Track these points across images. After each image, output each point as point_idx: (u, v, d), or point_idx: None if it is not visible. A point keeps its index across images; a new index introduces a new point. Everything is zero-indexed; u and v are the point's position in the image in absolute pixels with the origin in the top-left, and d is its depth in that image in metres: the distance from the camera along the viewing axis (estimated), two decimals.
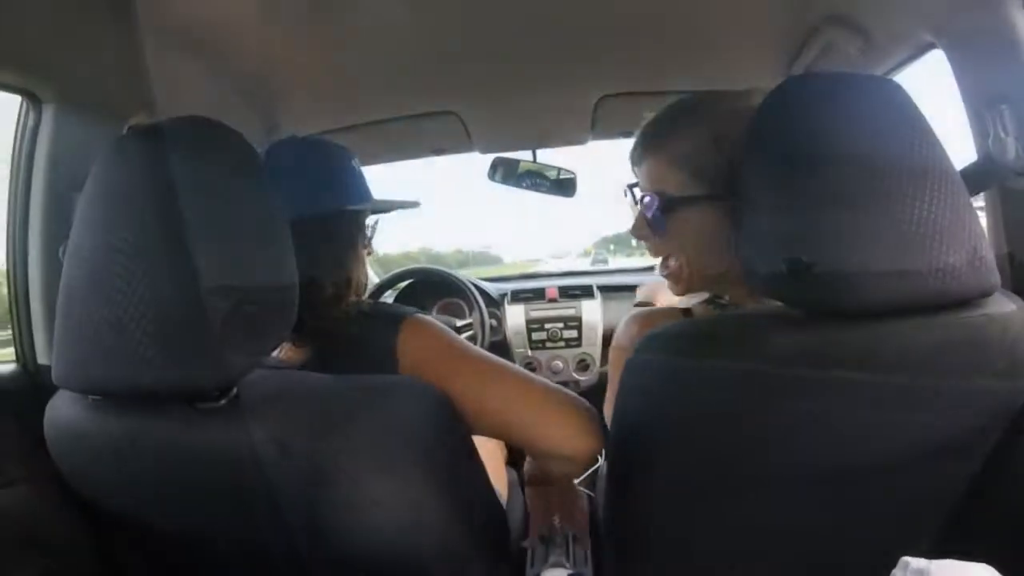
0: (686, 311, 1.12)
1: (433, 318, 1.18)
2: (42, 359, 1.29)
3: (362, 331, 1.06)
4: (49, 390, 0.87)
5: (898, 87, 0.88)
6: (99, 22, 1.24)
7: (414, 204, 1.35)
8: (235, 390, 0.77)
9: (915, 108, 0.87)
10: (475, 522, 0.99)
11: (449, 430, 0.93)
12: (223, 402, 0.76)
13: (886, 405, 0.86)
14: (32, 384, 1.28)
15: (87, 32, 1.23)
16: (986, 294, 0.85)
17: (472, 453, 1.00)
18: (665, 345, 0.91)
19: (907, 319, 0.81)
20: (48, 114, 1.27)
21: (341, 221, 1.16)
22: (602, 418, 1.12)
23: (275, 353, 1.04)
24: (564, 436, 1.08)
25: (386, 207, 1.27)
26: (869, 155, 0.80)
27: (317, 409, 0.77)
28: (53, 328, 1.22)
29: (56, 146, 1.27)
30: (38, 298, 1.29)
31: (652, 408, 0.93)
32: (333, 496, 0.77)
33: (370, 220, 1.25)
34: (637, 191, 1.18)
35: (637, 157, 1.16)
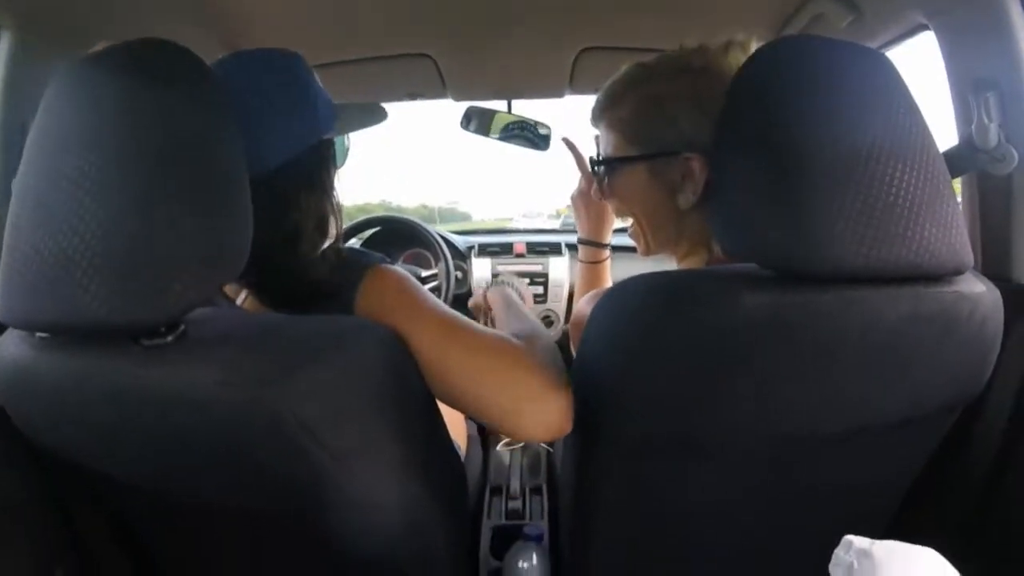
0: None
1: (400, 267, 1.16)
2: None
3: (329, 276, 1.01)
4: None
5: (886, 60, 0.88)
6: None
7: (381, 115, 1.21)
8: (182, 327, 0.75)
9: (901, 82, 0.86)
10: (432, 474, 0.98)
11: (406, 378, 0.90)
12: (170, 339, 0.74)
13: (854, 372, 0.86)
14: None
15: None
16: (959, 272, 0.86)
17: (430, 403, 0.97)
18: (635, 295, 0.90)
19: (879, 288, 0.81)
20: (5, 42, 1.22)
21: (316, 155, 1.05)
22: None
23: (238, 300, 1.01)
24: (522, 429, 0.96)
25: (353, 124, 1.18)
26: (852, 123, 0.79)
27: (269, 351, 0.75)
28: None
29: (14, 75, 1.23)
30: None
31: (618, 359, 0.91)
32: (285, 443, 0.75)
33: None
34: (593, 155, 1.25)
35: (593, 122, 1.25)
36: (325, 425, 0.76)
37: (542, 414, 0.95)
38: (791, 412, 0.88)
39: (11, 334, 0.90)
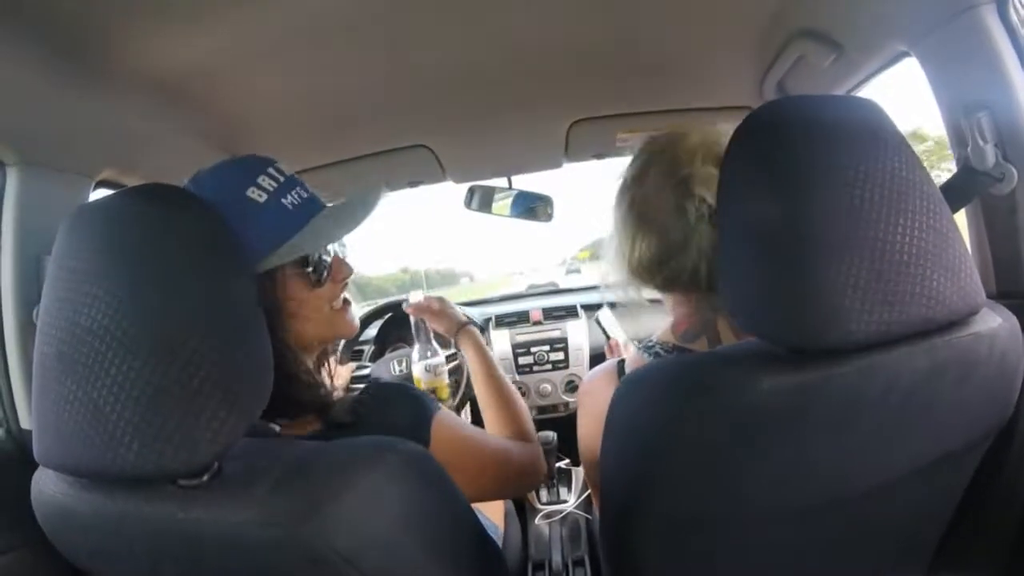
0: (620, 369, 1.20)
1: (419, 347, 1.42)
2: (24, 423, 1.27)
3: (385, 415, 1.05)
4: (32, 454, 0.85)
5: (876, 108, 0.87)
6: (59, 83, 1.22)
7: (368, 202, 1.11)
8: (216, 464, 0.75)
9: (894, 128, 0.85)
10: (473, 570, 0.97)
11: (438, 487, 0.90)
12: (205, 478, 0.74)
13: (877, 433, 0.85)
14: (17, 449, 1.26)
15: (48, 93, 1.22)
16: (973, 313, 0.85)
17: (463, 504, 0.97)
18: (650, 387, 0.90)
19: (895, 349, 0.80)
20: (13, 177, 1.25)
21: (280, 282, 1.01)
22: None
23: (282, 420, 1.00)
24: (519, 490, 1.49)
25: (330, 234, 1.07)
26: (849, 184, 0.78)
27: (302, 486, 0.74)
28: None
29: (23, 209, 1.25)
30: (16, 362, 1.27)
31: (639, 447, 0.90)
32: (324, 573, 0.74)
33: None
34: None
35: None
36: (362, 552, 0.75)
37: (534, 479, 1.35)
38: (816, 479, 0.87)
39: (45, 471, 0.90)
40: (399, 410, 1.06)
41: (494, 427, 1.41)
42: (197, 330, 0.72)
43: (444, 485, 0.91)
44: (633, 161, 1.19)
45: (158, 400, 0.69)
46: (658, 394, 0.87)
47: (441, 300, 1.69)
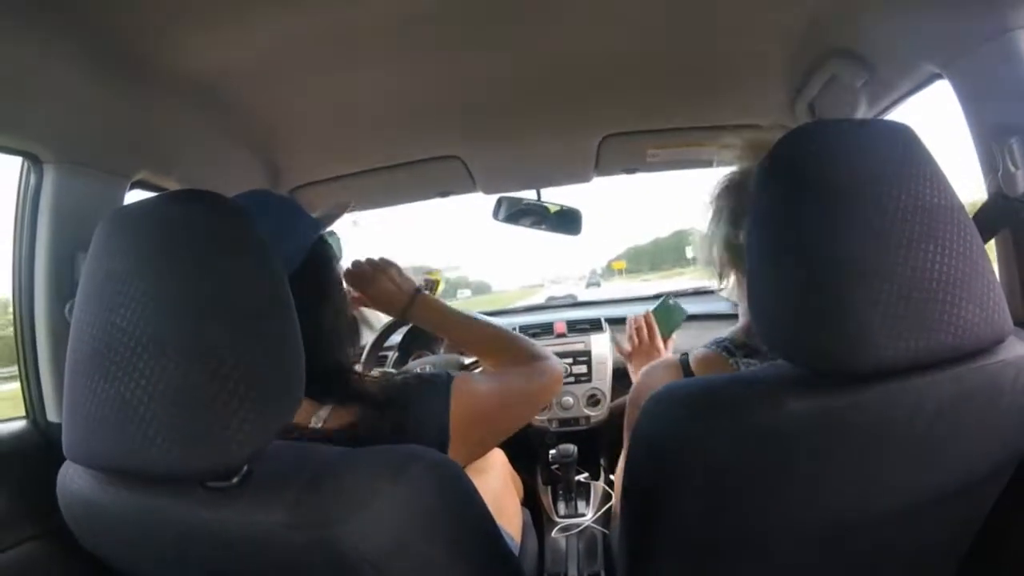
0: (684, 362, 1.22)
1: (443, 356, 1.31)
2: (52, 416, 1.29)
3: (409, 399, 1.08)
4: (59, 447, 0.86)
5: (909, 132, 0.86)
6: (98, 82, 1.24)
7: (346, 206, 1.27)
8: (246, 467, 0.75)
9: (927, 154, 0.85)
10: None
11: (461, 498, 0.91)
12: (235, 480, 0.75)
13: (901, 459, 0.85)
14: (43, 441, 1.27)
15: (86, 92, 1.24)
16: (1000, 341, 0.84)
17: (485, 515, 0.98)
18: (676, 405, 0.90)
19: (921, 376, 0.79)
20: (49, 175, 1.27)
21: (319, 255, 1.13)
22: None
23: (315, 422, 1.03)
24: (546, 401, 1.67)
25: (327, 220, 1.22)
26: (880, 209, 0.78)
27: (330, 491, 0.74)
28: (61, 386, 1.22)
29: (58, 206, 1.27)
30: (46, 356, 1.29)
31: (663, 464, 0.91)
32: None
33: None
34: None
35: None
36: (388, 557, 0.76)
37: (558, 374, 1.40)
38: (838, 501, 0.87)
39: (72, 466, 0.92)
40: (421, 393, 1.10)
41: (498, 364, 1.41)
42: (231, 334, 0.73)
43: (469, 495, 0.92)
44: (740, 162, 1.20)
45: (190, 401, 0.70)
46: (684, 411, 0.87)
47: (382, 265, 1.41)
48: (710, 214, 1.22)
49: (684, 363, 1.23)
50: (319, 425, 1.02)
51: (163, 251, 0.75)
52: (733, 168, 1.19)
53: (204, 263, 0.75)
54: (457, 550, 0.86)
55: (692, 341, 1.30)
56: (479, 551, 0.93)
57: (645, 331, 1.82)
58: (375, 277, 1.38)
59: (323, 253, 1.15)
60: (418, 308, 1.40)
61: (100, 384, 0.74)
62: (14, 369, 1.33)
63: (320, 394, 1.02)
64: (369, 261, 1.40)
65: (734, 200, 1.16)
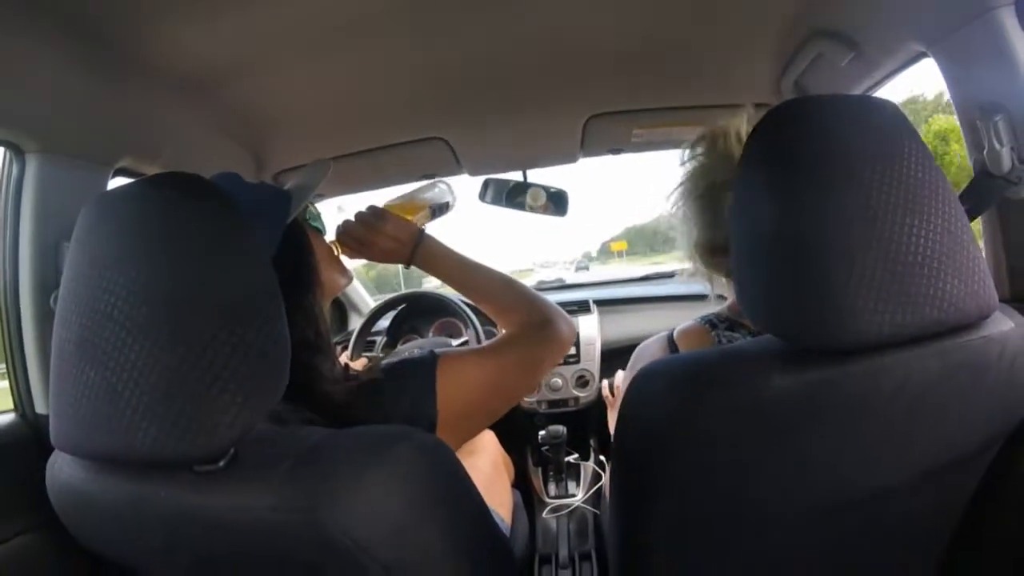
0: (670, 337, 1.26)
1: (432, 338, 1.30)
2: (40, 408, 1.29)
3: (391, 388, 1.08)
4: (48, 439, 0.86)
5: (893, 108, 0.87)
6: (80, 71, 1.24)
7: (325, 168, 1.20)
8: (233, 450, 0.76)
9: (911, 129, 0.85)
10: (482, 566, 0.98)
11: (450, 478, 0.91)
12: (221, 464, 0.75)
13: (887, 434, 0.85)
14: (32, 433, 1.27)
15: (67, 82, 1.23)
16: (984, 316, 0.85)
17: (475, 496, 0.98)
18: (662, 379, 0.90)
19: (905, 350, 0.80)
20: (32, 165, 1.26)
21: (294, 240, 1.08)
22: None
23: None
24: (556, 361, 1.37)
25: (306, 193, 1.13)
26: (864, 183, 0.79)
27: (317, 473, 0.75)
28: (47, 376, 1.22)
29: (42, 196, 1.27)
30: (32, 347, 1.28)
31: (651, 441, 0.91)
32: (339, 560, 0.75)
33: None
34: None
35: None
36: (376, 539, 0.76)
37: (567, 340, 1.31)
38: (825, 478, 0.88)
39: (60, 456, 0.92)
40: (403, 381, 1.10)
41: (504, 322, 1.35)
42: (216, 317, 0.73)
43: (457, 475, 0.92)
44: (692, 149, 1.23)
45: (176, 386, 0.70)
46: (671, 387, 0.88)
47: (374, 222, 1.30)
48: (681, 215, 1.25)
49: (669, 337, 1.25)
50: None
51: (147, 236, 0.75)
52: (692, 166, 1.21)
53: (188, 248, 0.75)
54: (446, 531, 0.86)
55: (648, 323, 1.34)
56: (469, 532, 0.93)
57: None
58: (370, 239, 1.29)
59: (296, 241, 1.09)
60: (422, 258, 1.33)
61: (87, 372, 0.74)
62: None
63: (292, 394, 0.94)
64: (360, 220, 1.31)
65: (706, 200, 1.19)
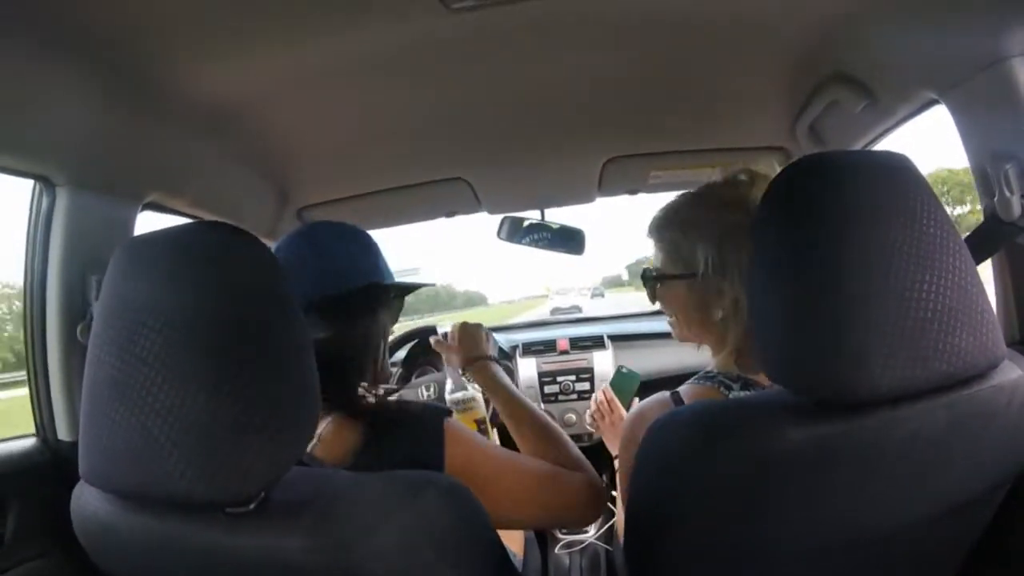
0: (678, 401, 1.22)
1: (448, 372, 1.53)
2: (62, 435, 1.30)
3: (405, 426, 1.10)
4: (69, 465, 0.87)
5: (907, 164, 0.88)
6: (111, 107, 1.26)
7: (431, 284, 1.37)
8: (263, 494, 0.77)
9: (925, 185, 0.86)
10: None
11: (475, 525, 0.92)
12: (252, 506, 0.76)
13: (898, 481, 0.86)
14: (54, 459, 1.29)
15: (99, 117, 1.25)
16: (993, 367, 0.86)
17: (494, 538, 1.00)
18: (681, 427, 0.92)
19: (917, 402, 0.81)
20: (62, 197, 1.28)
21: (376, 298, 1.22)
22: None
23: (321, 427, 1.07)
24: (573, 519, 1.28)
25: (407, 286, 1.33)
26: (879, 240, 0.80)
27: (347, 514, 0.76)
28: (71, 404, 1.23)
29: (71, 229, 1.28)
30: (57, 376, 1.30)
31: (664, 490, 0.93)
32: None
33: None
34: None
35: (648, 235, 1.37)
36: None
37: (595, 514, 1.25)
38: (836, 523, 0.89)
39: (87, 488, 0.92)
40: (411, 427, 1.11)
41: (533, 453, 1.34)
42: (250, 364, 0.74)
43: (480, 517, 0.93)
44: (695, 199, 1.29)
45: (211, 432, 0.71)
46: (690, 435, 0.89)
47: (465, 330, 1.59)
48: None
49: (677, 399, 1.23)
50: (314, 444, 1.06)
51: (183, 284, 0.76)
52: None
53: (224, 297, 0.77)
54: (468, 570, 0.88)
55: (663, 359, 1.35)
56: (488, 570, 0.94)
57: (606, 404, 1.86)
58: (458, 341, 1.57)
59: (376, 294, 1.23)
60: (475, 370, 1.52)
61: (119, 412, 0.75)
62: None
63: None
64: (455, 329, 1.60)
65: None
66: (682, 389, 1.24)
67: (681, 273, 1.26)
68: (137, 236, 0.84)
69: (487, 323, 1.76)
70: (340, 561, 0.74)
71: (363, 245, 1.25)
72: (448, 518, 0.84)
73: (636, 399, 1.85)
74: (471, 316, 2.80)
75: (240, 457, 0.72)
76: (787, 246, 0.85)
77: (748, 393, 1.17)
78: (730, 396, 1.17)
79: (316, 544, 0.74)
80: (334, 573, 0.74)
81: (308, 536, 0.74)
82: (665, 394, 1.26)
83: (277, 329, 0.79)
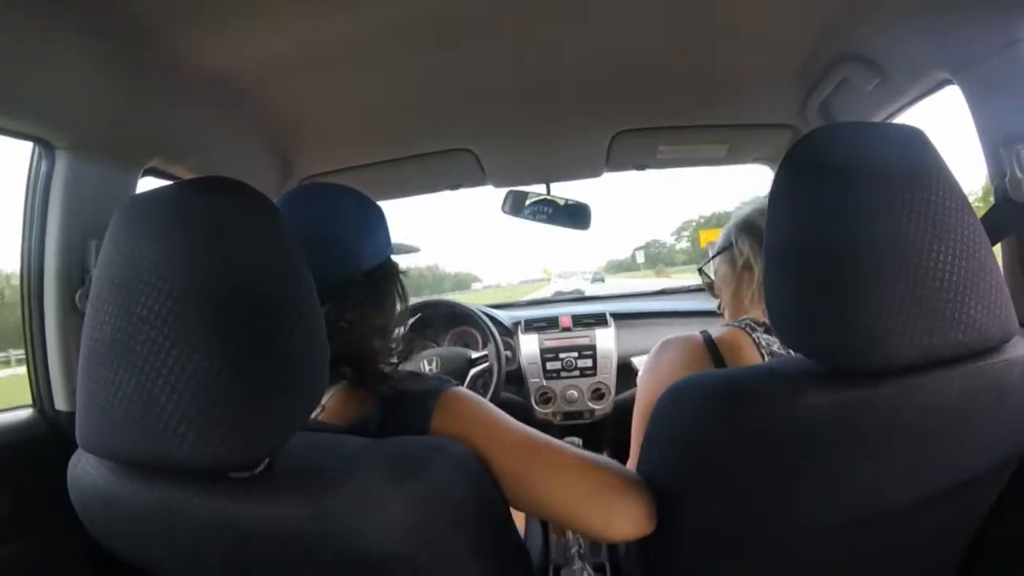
0: (708, 339, 1.30)
1: (447, 348, 1.27)
2: (59, 405, 1.29)
3: (402, 398, 1.05)
4: (67, 436, 0.86)
5: (921, 136, 0.88)
6: (114, 70, 1.24)
7: (416, 249, 1.33)
8: (267, 460, 0.75)
9: (937, 157, 0.86)
10: (507, 565, 0.99)
11: (482, 492, 0.92)
12: (257, 471, 0.75)
13: (913, 452, 0.86)
14: (51, 430, 1.28)
15: (101, 80, 1.24)
16: (1006, 340, 0.86)
17: (504, 508, 0.99)
18: (698, 398, 0.91)
19: (931, 372, 0.81)
20: (62, 161, 1.26)
21: (386, 272, 1.17)
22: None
23: (327, 397, 1.05)
24: (610, 527, 0.99)
25: (400, 250, 1.27)
26: (894, 210, 0.80)
27: (355, 483, 0.75)
28: (70, 374, 1.22)
29: (71, 193, 1.27)
30: (55, 344, 1.28)
31: (682, 456, 0.93)
32: (374, 568, 0.76)
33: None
34: None
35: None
36: (412, 549, 0.77)
37: (630, 521, 0.98)
38: (854, 492, 0.89)
39: (84, 456, 0.91)
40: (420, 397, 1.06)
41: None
42: (257, 324, 0.73)
43: (488, 488, 0.93)
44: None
45: (216, 393, 0.69)
46: (706, 403, 0.89)
47: None
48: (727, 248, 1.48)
49: (707, 339, 1.30)
50: (318, 412, 1.03)
51: (187, 242, 0.74)
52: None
53: (230, 255, 0.74)
54: (476, 537, 0.87)
55: (665, 337, 1.35)
56: (495, 536, 0.94)
57: None
58: None
59: (392, 268, 1.18)
60: None
61: (120, 374, 0.73)
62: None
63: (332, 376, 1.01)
64: None
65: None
66: (712, 331, 1.32)
67: (720, 247, 1.52)
68: (138, 194, 0.81)
69: (494, 301, 1.74)
70: (349, 530, 0.73)
71: (368, 216, 1.16)
72: (457, 484, 0.84)
73: None
74: (459, 300, 2.79)
75: (248, 421, 0.70)
76: (801, 216, 0.85)
77: (770, 338, 1.25)
78: (752, 336, 1.26)
79: (324, 512, 0.73)
80: (341, 542, 0.74)
81: (316, 505, 0.73)
82: (694, 334, 1.33)
83: (284, 290, 0.77)
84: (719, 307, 1.59)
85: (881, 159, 0.83)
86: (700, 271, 1.70)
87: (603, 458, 1.05)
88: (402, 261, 1.22)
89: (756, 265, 1.40)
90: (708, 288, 1.68)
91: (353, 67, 1.54)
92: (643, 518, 0.97)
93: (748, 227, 1.44)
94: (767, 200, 1.00)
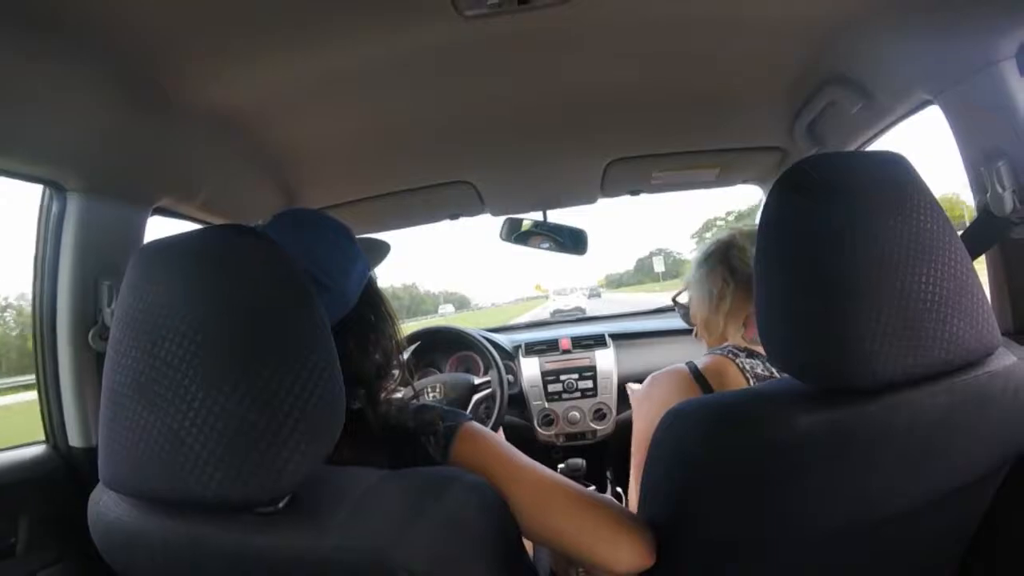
0: (694, 368, 1.32)
1: (450, 375, 1.25)
2: (73, 441, 1.30)
3: (414, 427, 1.07)
4: (81, 472, 0.87)
5: (904, 163, 0.91)
6: (122, 112, 1.26)
7: (386, 245, 1.32)
8: (291, 492, 0.77)
9: (920, 181, 0.89)
10: None
11: (498, 518, 0.93)
12: (281, 505, 0.77)
13: (902, 464, 0.89)
14: (65, 466, 1.28)
15: (110, 123, 1.26)
16: (988, 353, 0.89)
17: (513, 526, 1.00)
18: (695, 419, 0.94)
19: (917, 388, 0.84)
20: (73, 202, 1.29)
21: (369, 300, 1.13)
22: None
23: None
24: (616, 558, 1.05)
25: (372, 251, 1.24)
26: (879, 234, 0.83)
27: (378, 511, 0.77)
28: (84, 411, 1.24)
29: (82, 234, 1.29)
30: (69, 382, 1.30)
31: (683, 474, 0.96)
32: None
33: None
34: None
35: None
36: (433, 573, 0.78)
37: (634, 554, 1.04)
38: (846, 506, 0.91)
39: (106, 493, 0.92)
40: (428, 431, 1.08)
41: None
42: (278, 365, 0.75)
43: (504, 511, 0.95)
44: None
45: (242, 433, 0.72)
46: (703, 425, 0.92)
47: None
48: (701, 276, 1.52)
49: (693, 369, 1.32)
50: None
51: (207, 287, 0.77)
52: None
53: (248, 299, 0.77)
54: (492, 560, 0.89)
55: (663, 356, 1.38)
56: (509, 560, 0.96)
57: None
58: None
59: (374, 292, 1.15)
60: None
61: (145, 417, 0.75)
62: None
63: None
64: None
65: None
66: (696, 362, 1.34)
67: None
68: (153, 241, 0.83)
69: (491, 324, 1.75)
70: (376, 558, 0.74)
71: (346, 251, 1.11)
72: (473, 510, 0.85)
73: None
74: (439, 322, 2.79)
75: (273, 459, 0.72)
76: (790, 241, 0.88)
77: (753, 361, 1.28)
78: (736, 362, 1.28)
79: (348, 542, 0.75)
80: (366, 571, 0.75)
81: (340, 534, 0.75)
82: (679, 366, 1.35)
83: (300, 329, 0.79)
84: (695, 334, 1.63)
85: (866, 186, 0.87)
86: (674, 300, 1.78)
87: (608, 498, 1.13)
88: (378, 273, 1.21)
89: (728, 293, 1.44)
90: (683, 317, 1.73)
91: (353, 103, 1.57)
92: (645, 552, 1.03)
93: (719, 256, 1.47)
94: (733, 232, 1.03)
